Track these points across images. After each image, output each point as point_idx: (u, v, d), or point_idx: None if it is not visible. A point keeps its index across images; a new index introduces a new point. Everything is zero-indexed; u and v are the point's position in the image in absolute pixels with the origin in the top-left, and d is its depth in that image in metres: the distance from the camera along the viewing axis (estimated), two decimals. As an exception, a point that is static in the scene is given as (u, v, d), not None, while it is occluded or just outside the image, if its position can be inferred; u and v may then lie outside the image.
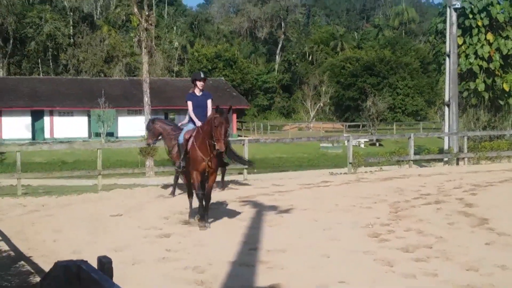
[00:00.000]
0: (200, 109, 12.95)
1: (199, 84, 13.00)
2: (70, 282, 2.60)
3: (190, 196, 13.54)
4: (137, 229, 12.16)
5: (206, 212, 12.35)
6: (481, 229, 11.73)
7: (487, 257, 9.25)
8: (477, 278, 8.08)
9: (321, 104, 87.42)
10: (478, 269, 8.55)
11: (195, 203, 12.94)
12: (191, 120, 13.14)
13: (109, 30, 79.46)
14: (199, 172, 12.16)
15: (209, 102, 13.15)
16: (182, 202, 15.81)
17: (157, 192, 17.85)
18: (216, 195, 15.97)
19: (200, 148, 11.92)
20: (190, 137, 12.46)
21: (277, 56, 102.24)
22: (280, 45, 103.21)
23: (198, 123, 12.56)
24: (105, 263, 2.68)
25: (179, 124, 15.84)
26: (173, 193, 16.84)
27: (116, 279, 7.43)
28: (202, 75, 13.37)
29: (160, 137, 16.66)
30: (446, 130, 28.96)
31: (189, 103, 13.05)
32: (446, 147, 28.51)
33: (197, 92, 13.10)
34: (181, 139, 12.86)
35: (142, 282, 8.07)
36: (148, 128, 17.26)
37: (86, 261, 2.68)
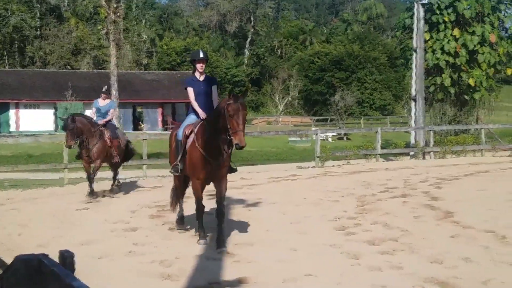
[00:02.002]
0: (202, 97, 10.40)
1: (198, 66, 10.47)
2: (31, 276, 2.58)
3: (173, 204, 11.43)
4: (104, 223, 12.07)
5: (221, 233, 9.65)
6: (446, 222, 11.85)
7: (451, 250, 9.36)
8: (442, 271, 8.17)
9: (290, 98, 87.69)
10: (442, 262, 8.64)
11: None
12: (192, 111, 10.59)
13: (77, 23, 78.86)
14: (202, 180, 9.89)
15: (214, 88, 10.66)
16: (149, 196, 15.79)
17: (122, 185, 17.73)
18: (167, 190, 15.92)
19: (205, 148, 9.46)
20: (191, 132, 9.93)
21: (246, 50, 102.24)
22: (249, 39, 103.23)
23: (202, 115, 10.02)
24: (67, 257, 2.65)
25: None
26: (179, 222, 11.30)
27: (82, 273, 7.39)
28: (201, 55, 10.57)
29: (81, 137, 14.41)
30: (413, 124, 29.23)
31: (190, 90, 10.42)
32: (412, 141, 28.75)
33: (198, 76, 10.54)
34: (180, 134, 10.17)
35: (108, 275, 8.02)
36: (67, 127, 14.23)
37: (47, 255, 2.66)
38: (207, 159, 9.42)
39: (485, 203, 14.19)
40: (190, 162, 9.80)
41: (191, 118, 10.47)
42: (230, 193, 15.87)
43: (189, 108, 10.87)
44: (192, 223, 11.14)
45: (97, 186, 15.64)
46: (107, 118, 15.23)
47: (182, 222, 11.14)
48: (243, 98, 9.36)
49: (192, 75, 10.74)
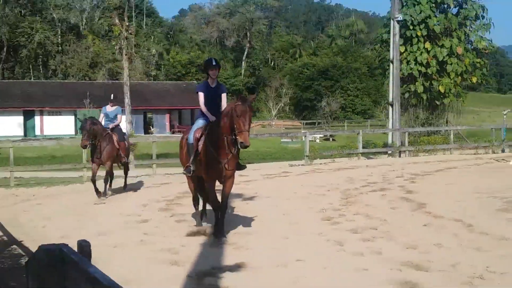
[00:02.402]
0: (211, 102, 9.93)
1: (212, 73, 9.94)
2: (52, 263, 2.58)
3: (196, 203, 10.98)
4: (118, 216, 12.08)
5: (222, 224, 9.55)
6: (420, 212, 11.87)
7: (424, 237, 9.38)
8: (416, 255, 8.19)
9: (282, 104, 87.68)
10: (417, 247, 8.66)
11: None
12: (201, 115, 10.05)
13: (94, 39, 78.80)
14: (214, 178, 9.54)
15: (223, 96, 10.16)
16: (160, 191, 15.77)
17: (134, 182, 17.70)
18: (181, 186, 15.91)
19: (215, 148, 9.20)
20: (201, 135, 9.58)
21: (243, 62, 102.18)
22: (245, 52, 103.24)
23: (212, 118, 9.55)
24: (84, 247, 2.66)
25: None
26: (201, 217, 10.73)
27: (99, 260, 7.39)
28: (214, 62, 10.11)
29: (95, 139, 14.03)
30: (390, 126, 29.24)
31: (201, 95, 9.96)
32: (390, 141, 28.81)
33: (211, 83, 10.05)
34: (190, 138, 9.71)
35: (122, 262, 8.03)
36: (85, 128, 13.91)
37: (67, 245, 2.67)
38: (217, 159, 9.15)
39: (454, 195, 14.22)
40: (203, 164, 9.43)
41: (200, 122, 9.93)
42: (229, 188, 15.92)
43: (198, 113, 10.36)
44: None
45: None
46: (116, 123, 15.03)
47: (200, 223, 10.53)
48: (250, 101, 9.15)
49: (205, 81, 10.24)
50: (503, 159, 23.90)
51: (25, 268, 2.69)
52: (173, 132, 61.71)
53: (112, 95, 15.45)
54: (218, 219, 9.53)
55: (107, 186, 14.69)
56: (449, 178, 18.19)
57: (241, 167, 9.86)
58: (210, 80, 10.00)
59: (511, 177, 17.81)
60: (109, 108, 15.12)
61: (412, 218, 11.31)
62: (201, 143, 9.48)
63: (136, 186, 16.76)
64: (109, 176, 14.76)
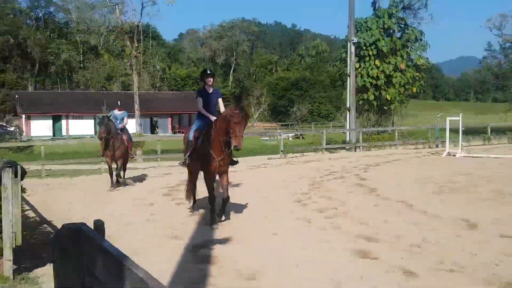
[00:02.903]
0: (209, 106, 9.41)
1: (207, 80, 9.50)
2: (73, 238, 2.57)
3: (189, 195, 10.37)
4: (130, 200, 12.02)
5: (223, 211, 9.22)
6: (371, 195, 11.96)
7: (374, 215, 9.44)
8: (368, 230, 8.25)
9: (262, 109, 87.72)
10: (368, 223, 8.72)
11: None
12: (200, 117, 9.50)
13: (109, 57, 78.38)
14: (212, 173, 8.95)
15: (220, 100, 9.65)
16: (162, 180, 15.72)
17: (143, 173, 17.61)
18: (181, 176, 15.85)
19: (213, 147, 8.68)
20: (200, 135, 9.15)
21: (230, 76, 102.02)
22: (232, 68, 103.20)
23: (212, 118, 9.04)
24: (99, 225, 2.65)
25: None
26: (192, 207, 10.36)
27: (114, 236, 7.35)
28: (208, 71, 9.77)
29: (109, 135, 13.52)
30: (348, 127, 29.36)
31: (199, 100, 9.43)
32: (348, 139, 28.91)
33: (208, 89, 9.54)
34: (190, 136, 9.39)
35: (132, 237, 8.01)
36: (102, 122, 13.56)
37: (85, 223, 2.65)
38: (213, 156, 8.59)
39: (398, 181, 14.34)
40: (202, 160, 8.89)
41: (199, 122, 9.40)
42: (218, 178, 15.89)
43: (196, 115, 9.68)
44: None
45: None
46: (124, 124, 14.53)
47: (196, 208, 10.13)
48: (246, 110, 8.60)
49: (203, 88, 9.68)
50: (437, 153, 24.12)
51: (52, 242, 2.66)
52: (174, 133, 61.87)
53: (119, 102, 15.18)
54: (212, 207, 8.97)
55: (120, 178, 14.18)
56: (394, 168, 18.33)
57: (233, 162, 9.29)
58: (207, 86, 9.50)
59: (444, 166, 17.98)
60: (116, 112, 14.68)
61: (365, 200, 11.39)
62: (200, 142, 9.04)
63: (144, 176, 16.68)
64: (121, 170, 14.29)
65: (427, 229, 8.21)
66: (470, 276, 5.80)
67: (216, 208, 9.03)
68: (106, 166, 14.99)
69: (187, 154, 9.43)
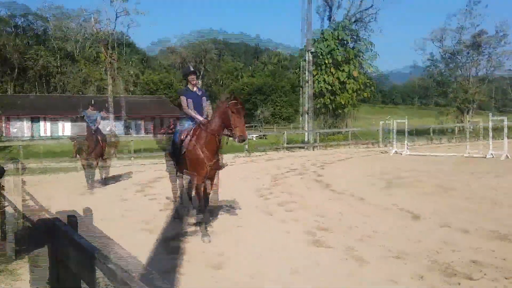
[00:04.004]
0: (195, 105, 8.03)
1: (190, 77, 8.16)
2: (48, 231, 2.50)
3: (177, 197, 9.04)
4: (105, 196, 11.78)
5: (207, 216, 7.92)
6: (327, 190, 12.06)
7: (330, 208, 9.53)
8: (324, 221, 8.31)
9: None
10: (324, 215, 8.79)
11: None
12: (184, 119, 8.11)
13: (85, 63, 76.89)
14: (202, 176, 7.44)
15: (204, 99, 8.21)
16: (135, 177, 15.47)
17: (118, 171, 17.29)
18: (153, 173, 15.66)
19: (204, 149, 7.34)
20: (187, 135, 7.69)
21: (200, 81, 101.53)
22: (201, 74, 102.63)
23: (200, 119, 7.75)
24: (72, 220, 2.58)
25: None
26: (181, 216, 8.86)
27: (89, 230, 7.13)
28: (191, 69, 8.56)
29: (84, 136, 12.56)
30: (306, 128, 29.64)
31: (183, 99, 8.02)
32: (306, 139, 29.19)
33: (191, 88, 8.13)
34: (176, 138, 7.95)
35: (108, 231, 7.83)
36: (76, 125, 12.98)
37: (59, 218, 2.58)
38: (204, 160, 7.31)
39: (350, 177, 14.53)
40: (191, 163, 7.47)
41: (184, 124, 8.02)
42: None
43: (181, 115, 8.29)
44: (165, 194, 10.97)
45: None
46: (97, 124, 13.16)
47: (180, 213, 8.77)
48: (241, 101, 7.48)
49: (186, 87, 8.29)
50: (385, 151, 24.57)
51: (28, 236, 2.58)
52: (147, 133, 61.32)
53: (92, 101, 13.96)
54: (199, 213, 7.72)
55: (97, 178, 13.23)
56: (348, 165, 18.57)
57: (220, 167, 7.85)
58: (190, 85, 8.13)
59: (392, 164, 18.30)
60: (89, 112, 13.25)
61: (321, 194, 11.48)
62: (186, 144, 7.60)
63: (118, 174, 16.38)
64: (94, 171, 13.11)
65: (377, 220, 8.34)
66: (414, 262, 5.91)
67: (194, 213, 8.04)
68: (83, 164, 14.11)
69: (174, 159, 8.06)
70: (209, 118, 7.77)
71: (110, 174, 15.61)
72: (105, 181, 14.10)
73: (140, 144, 27.92)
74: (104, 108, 14.77)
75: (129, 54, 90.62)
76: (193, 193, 7.93)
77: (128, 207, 10.17)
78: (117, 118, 51.36)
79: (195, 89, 8.15)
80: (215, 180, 7.90)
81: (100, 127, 13.34)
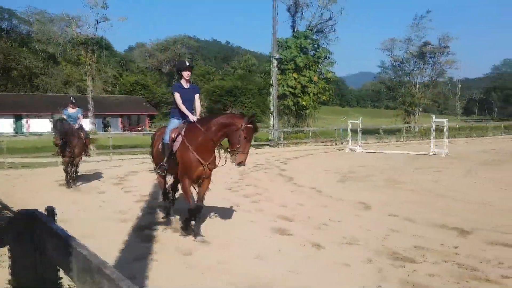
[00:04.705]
0: (187, 103, 7.02)
1: (185, 73, 7.10)
2: (27, 223, 2.43)
3: (166, 198, 7.86)
4: (84, 188, 11.50)
5: (199, 224, 6.76)
6: (289, 183, 12.15)
7: (292, 199, 9.61)
8: (286, 211, 8.38)
9: (200, 112, 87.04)
10: (287, 206, 8.86)
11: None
12: (176, 114, 7.07)
13: (66, 64, 74.85)
14: (193, 179, 6.56)
15: (196, 96, 7.26)
16: (113, 171, 15.16)
17: (97, 166, 16.92)
18: (130, 168, 15.41)
19: (198, 150, 6.39)
20: (177, 135, 6.71)
21: (174, 83, 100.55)
22: (176, 77, 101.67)
23: (193, 118, 6.81)
24: (50, 211, 2.52)
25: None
26: (167, 216, 7.76)
27: (69, 221, 6.99)
28: (187, 63, 7.27)
29: (66, 137, 11.25)
30: (271, 127, 29.73)
31: (177, 95, 6.97)
32: (271, 137, 29.29)
33: (184, 84, 7.12)
34: (166, 138, 6.80)
35: (87, 221, 7.68)
36: (56, 127, 11.21)
37: (38, 209, 2.51)
38: (200, 161, 6.41)
39: (311, 172, 14.68)
40: (182, 164, 6.49)
41: (175, 122, 6.99)
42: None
43: (171, 113, 7.20)
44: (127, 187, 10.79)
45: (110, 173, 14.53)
46: (79, 122, 12.08)
47: (168, 216, 7.63)
48: (256, 125, 6.35)
49: (178, 82, 7.25)
50: (341, 149, 24.92)
51: (9, 225, 2.51)
52: (124, 131, 60.38)
53: (72, 98, 12.74)
54: (189, 218, 6.72)
55: (76, 178, 11.93)
56: (308, 161, 18.74)
57: (215, 166, 6.84)
58: (184, 81, 7.13)
59: (346, 160, 18.58)
60: (70, 110, 12.18)
61: (284, 187, 11.56)
62: (177, 144, 6.64)
63: (97, 168, 16.04)
64: (77, 168, 12.02)
65: (333, 210, 8.46)
66: (364, 248, 6.03)
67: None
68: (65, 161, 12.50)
69: (165, 160, 6.82)
70: (199, 116, 6.98)
71: (89, 169, 15.29)
72: (84, 177, 13.71)
73: (118, 141, 27.42)
74: (82, 106, 13.53)
75: (108, 57, 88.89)
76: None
77: (105, 198, 9.98)
78: (97, 116, 50.41)
79: (187, 85, 7.14)
80: (205, 185, 6.80)
81: (82, 124, 12.49)
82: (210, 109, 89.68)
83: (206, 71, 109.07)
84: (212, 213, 8.16)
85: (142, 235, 6.73)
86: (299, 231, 6.90)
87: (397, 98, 60.36)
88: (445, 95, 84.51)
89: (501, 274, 4.93)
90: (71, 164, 11.63)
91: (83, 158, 12.58)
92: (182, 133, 6.66)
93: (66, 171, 11.69)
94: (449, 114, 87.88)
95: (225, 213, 8.22)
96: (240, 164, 6.16)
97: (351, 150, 23.22)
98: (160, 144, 7.13)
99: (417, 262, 5.38)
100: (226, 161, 6.59)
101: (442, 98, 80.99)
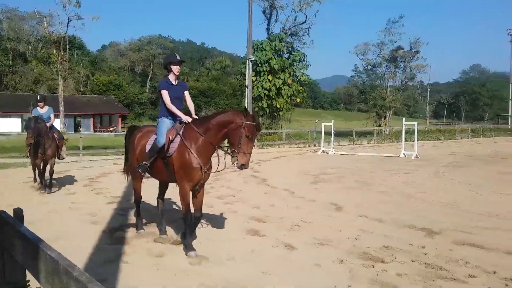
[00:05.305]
0: (177, 101, 6.30)
1: (175, 68, 6.32)
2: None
3: (138, 203, 7.03)
4: (53, 190, 11.24)
5: (194, 236, 6.18)
6: (262, 185, 12.18)
7: (264, 201, 9.63)
8: (259, 212, 8.41)
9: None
10: (259, 207, 8.89)
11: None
12: (166, 114, 6.28)
13: (37, 63, 72.89)
14: (193, 184, 5.88)
15: (186, 93, 6.51)
16: (83, 172, 14.88)
17: (67, 167, 16.56)
18: (100, 169, 15.15)
19: (199, 152, 5.78)
20: (176, 136, 5.98)
21: (147, 84, 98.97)
22: (149, 77, 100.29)
23: (186, 119, 6.09)
24: (17, 212, 2.46)
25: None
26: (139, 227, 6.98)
27: (37, 222, 6.83)
28: (178, 57, 6.36)
29: (39, 137, 10.30)
30: (245, 129, 29.75)
31: (165, 93, 6.22)
32: (245, 139, 29.30)
33: (173, 80, 6.34)
34: (162, 140, 6.02)
35: (56, 223, 7.51)
36: (29, 127, 10.22)
37: (5, 211, 2.46)
38: (199, 164, 5.77)
39: (284, 173, 14.76)
40: (181, 167, 5.81)
41: (167, 122, 6.21)
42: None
43: (160, 112, 6.38)
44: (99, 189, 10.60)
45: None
46: (51, 122, 11.03)
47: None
48: (258, 121, 5.74)
49: (166, 78, 6.41)
50: (314, 151, 25.16)
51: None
52: (96, 131, 59.24)
53: (38, 96, 11.36)
54: (187, 227, 6.00)
55: (50, 181, 10.93)
56: (281, 163, 18.83)
57: (211, 170, 6.19)
58: (172, 76, 6.36)
59: (319, 162, 18.76)
60: (40, 110, 11.11)
61: (257, 188, 11.58)
62: (175, 146, 5.94)
63: (67, 169, 15.70)
64: (51, 172, 10.97)
65: (305, 211, 8.54)
66: (336, 248, 6.12)
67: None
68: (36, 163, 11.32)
69: (151, 160, 6.18)
70: (194, 115, 6.27)
71: (59, 170, 14.94)
72: (53, 178, 13.31)
73: (89, 141, 26.93)
74: (52, 106, 11.83)
75: (80, 56, 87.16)
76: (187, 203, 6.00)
77: (75, 200, 9.78)
78: (67, 116, 49.30)
79: (176, 82, 6.40)
80: (202, 190, 6.21)
81: (54, 123, 11.50)
82: (184, 111, 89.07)
83: (181, 71, 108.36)
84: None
85: (113, 237, 6.63)
86: (271, 232, 6.93)
87: (369, 101, 61.41)
88: (415, 99, 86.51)
89: (467, 273, 5.08)
90: (43, 167, 10.83)
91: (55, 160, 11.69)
92: (181, 133, 5.97)
93: (40, 176, 10.86)
94: (418, 118, 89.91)
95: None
96: (243, 166, 5.50)
97: (324, 152, 23.47)
98: (148, 146, 6.34)
99: (386, 262, 5.49)
100: (225, 165, 6.05)
101: (412, 102, 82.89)
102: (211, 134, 5.79)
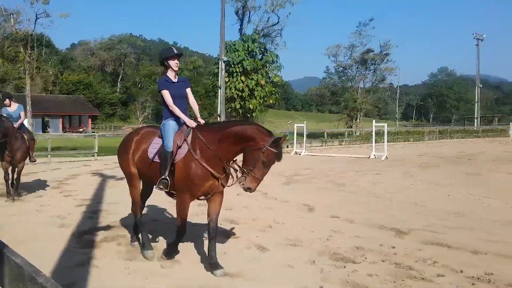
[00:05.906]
0: (179, 100, 5.57)
1: (173, 63, 5.55)
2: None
3: (138, 213, 6.17)
4: (23, 194, 10.88)
5: (215, 255, 5.27)
6: (235, 186, 12.13)
7: (237, 202, 9.58)
8: (232, 214, 8.38)
9: (146, 113, 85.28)
10: (232, 209, 8.86)
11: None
12: (170, 118, 5.57)
13: (3, 62, 70.69)
14: (195, 198, 5.37)
15: (188, 91, 5.72)
16: (51, 174, 14.50)
17: (35, 169, 16.10)
18: (69, 171, 14.86)
19: (210, 164, 5.05)
20: (183, 141, 5.23)
21: (118, 83, 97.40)
22: (120, 76, 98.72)
23: (191, 124, 5.37)
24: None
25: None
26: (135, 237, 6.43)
27: (3, 226, 6.62)
28: (175, 51, 5.60)
29: (7, 138, 9.38)
30: (218, 130, 29.65)
31: (166, 93, 5.50)
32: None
33: (172, 77, 5.60)
34: (170, 145, 5.24)
35: (21, 227, 7.28)
36: None
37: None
38: (212, 174, 5.09)
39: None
40: (187, 178, 5.09)
41: (172, 124, 5.49)
42: (106, 172, 15.01)
43: (164, 113, 5.67)
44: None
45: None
46: (20, 121, 10.06)
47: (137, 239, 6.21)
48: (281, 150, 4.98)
49: (164, 75, 5.65)
50: (287, 152, 25.30)
51: None
52: (65, 132, 57.87)
53: (1, 95, 9.95)
54: (173, 243, 5.57)
55: (17, 187, 10.02)
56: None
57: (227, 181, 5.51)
58: (171, 73, 5.61)
59: (292, 163, 18.83)
60: (10, 109, 10.16)
61: (230, 190, 11.43)
62: (183, 152, 5.20)
63: (34, 171, 15.26)
64: (19, 176, 10.06)
65: (278, 212, 8.57)
66: (307, 249, 6.16)
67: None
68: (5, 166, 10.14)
69: (167, 172, 5.23)
70: (199, 117, 5.67)
71: (26, 171, 14.47)
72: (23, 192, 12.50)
73: (57, 142, 26.29)
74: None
75: (49, 55, 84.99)
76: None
77: (43, 202, 9.51)
78: (35, 116, 47.92)
79: (176, 79, 5.67)
80: (218, 201, 5.58)
81: (25, 123, 10.63)
82: (156, 111, 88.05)
83: (152, 71, 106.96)
84: (156, 217, 7.99)
85: (82, 241, 6.47)
86: (244, 233, 6.92)
87: (340, 102, 62.28)
88: (385, 101, 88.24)
89: (436, 272, 5.19)
90: (12, 171, 9.89)
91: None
92: (188, 139, 5.23)
93: (6, 179, 9.78)
94: (388, 119, 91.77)
95: (171, 217, 8.09)
96: (249, 190, 4.92)
97: (296, 153, 23.62)
98: (152, 151, 5.55)
99: (357, 262, 5.56)
100: (234, 180, 5.30)
101: (382, 104, 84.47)
102: (222, 147, 5.00)
